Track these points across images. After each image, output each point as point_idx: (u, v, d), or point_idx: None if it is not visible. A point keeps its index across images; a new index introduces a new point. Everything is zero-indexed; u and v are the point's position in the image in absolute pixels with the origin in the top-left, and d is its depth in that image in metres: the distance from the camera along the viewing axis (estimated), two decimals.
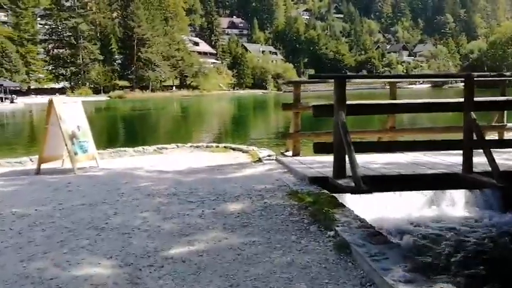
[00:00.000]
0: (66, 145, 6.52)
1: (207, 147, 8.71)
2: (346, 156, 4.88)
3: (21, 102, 57.06)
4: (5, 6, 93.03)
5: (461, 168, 5.48)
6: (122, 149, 8.40)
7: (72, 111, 6.77)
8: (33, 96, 75.21)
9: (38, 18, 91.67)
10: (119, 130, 24.20)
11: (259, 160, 7.27)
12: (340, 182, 5.01)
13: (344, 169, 5.14)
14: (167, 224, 4.13)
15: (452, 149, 5.91)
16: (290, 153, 7.44)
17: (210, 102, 62.40)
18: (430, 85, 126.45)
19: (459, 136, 5.80)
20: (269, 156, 7.45)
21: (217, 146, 8.72)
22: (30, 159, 7.53)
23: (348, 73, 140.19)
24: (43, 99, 73.73)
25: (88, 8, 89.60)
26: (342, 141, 4.98)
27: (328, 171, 5.58)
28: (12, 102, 54.11)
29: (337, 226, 3.81)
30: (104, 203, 4.84)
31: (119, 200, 4.96)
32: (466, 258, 5.31)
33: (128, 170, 6.71)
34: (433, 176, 5.65)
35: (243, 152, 8.19)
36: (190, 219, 4.26)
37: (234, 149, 8.49)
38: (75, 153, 6.67)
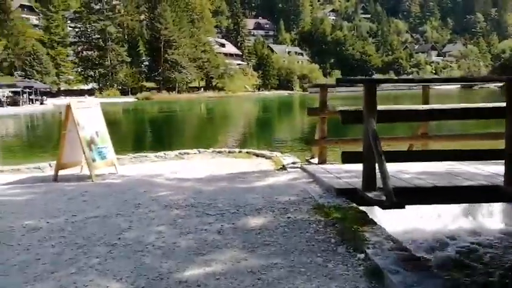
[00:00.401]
0: (83, 152, 6.33)
1: (229, 152, 8.42)
2: (377, 166, 4.53)
3: (50, 103, 58.13)
4: (36, 10, 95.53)
5: (502, 179, 5.03)
6: (142, 154, 8.19)
7: (90, 116, 6.57)
8: (62, 97, 76.79)
9: (68, 21, 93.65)
10: (144, 132, 24.16)
11: (283, 168, 6.94)
12: (370, 195, 4.64)
13: (374, 180, 4.77)
14: (183, 241, 3.86)
15: (493, 158, 5.46)
16: (316, 160, 7.09)
17: (235, 103, 62.39)
18: (459, 86, 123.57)
19: (498, 144, 5.36)
20: (293, 163, 7.11)
21: (240, 152, 8.42)
22: (50, 165, 7.39)
23: (375, 74, 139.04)
24: (72, 100, 75.19)
25: (116, 10, 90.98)
26: (371, 151, 4.62)
27: (357, 181, 5.23)
28: (42, 103, 55.17)
29: (368, 248, 3.45)
30: (118, 214, 4.60)
31: (135, 211, 4.71)
32: (506, 279, 4.91)
33: (146, 178, 6.48)
34: (472, 188, 5.21)
35: (266, 158, 7.87)
36: (208, 235, 3.98)
37: (257, 155, 8.17)
38: (93, 160, 6.48)
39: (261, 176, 6.41)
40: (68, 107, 6.32)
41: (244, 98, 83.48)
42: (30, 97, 54.37)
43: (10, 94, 51.85)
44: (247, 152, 8.33)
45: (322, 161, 6.78)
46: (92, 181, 6.34)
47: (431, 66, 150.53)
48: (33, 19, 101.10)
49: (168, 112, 40.70)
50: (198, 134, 21.76)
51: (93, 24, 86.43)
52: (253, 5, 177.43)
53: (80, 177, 6.77)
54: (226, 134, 21.25)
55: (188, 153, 8.27)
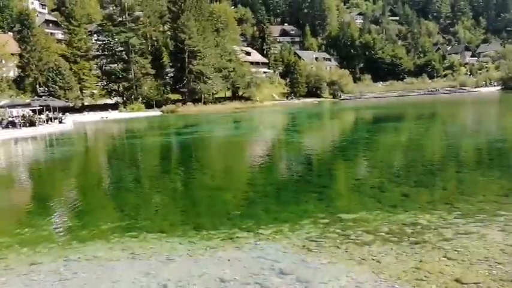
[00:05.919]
0: None
1: None
2: None
3: (70, 121, 54.77)
4: (62, 25, 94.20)
5: None
6: None
7: None
8: (86, 113, 74.39)
9: (94, 35, 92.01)
10: (149, 179, 18.97)
11: None
12: None
13: None
14: None
15: None
16: None
17: (263, 118, 58.19)
18: (499, 87, 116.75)
19: None
20: None
21: None
22: None
23: (407, 77, 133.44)
24: (95, 116, 72.61)
25: (139, 22, 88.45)
26: None
27: None
28: (60, 122, 51.81)
29: None
30: None
31: None
32: None
33: None
34: None
35: None
36: None
37: None
38: None
39: None
40: None
41: (272, 109, 78.94)
42: (49, 115, 51.44)
43: (30, 113, 48.87)
44: None
45: None
46: None
47: (466, 67, 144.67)
48: (59, 34, 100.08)
49: (191, 133, 36.58)
50: (220, 195, 12.11)
51: (115, 37, 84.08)
52: (278, 11, 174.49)
53: None
54: (263, 194, 11.68)
55: None
